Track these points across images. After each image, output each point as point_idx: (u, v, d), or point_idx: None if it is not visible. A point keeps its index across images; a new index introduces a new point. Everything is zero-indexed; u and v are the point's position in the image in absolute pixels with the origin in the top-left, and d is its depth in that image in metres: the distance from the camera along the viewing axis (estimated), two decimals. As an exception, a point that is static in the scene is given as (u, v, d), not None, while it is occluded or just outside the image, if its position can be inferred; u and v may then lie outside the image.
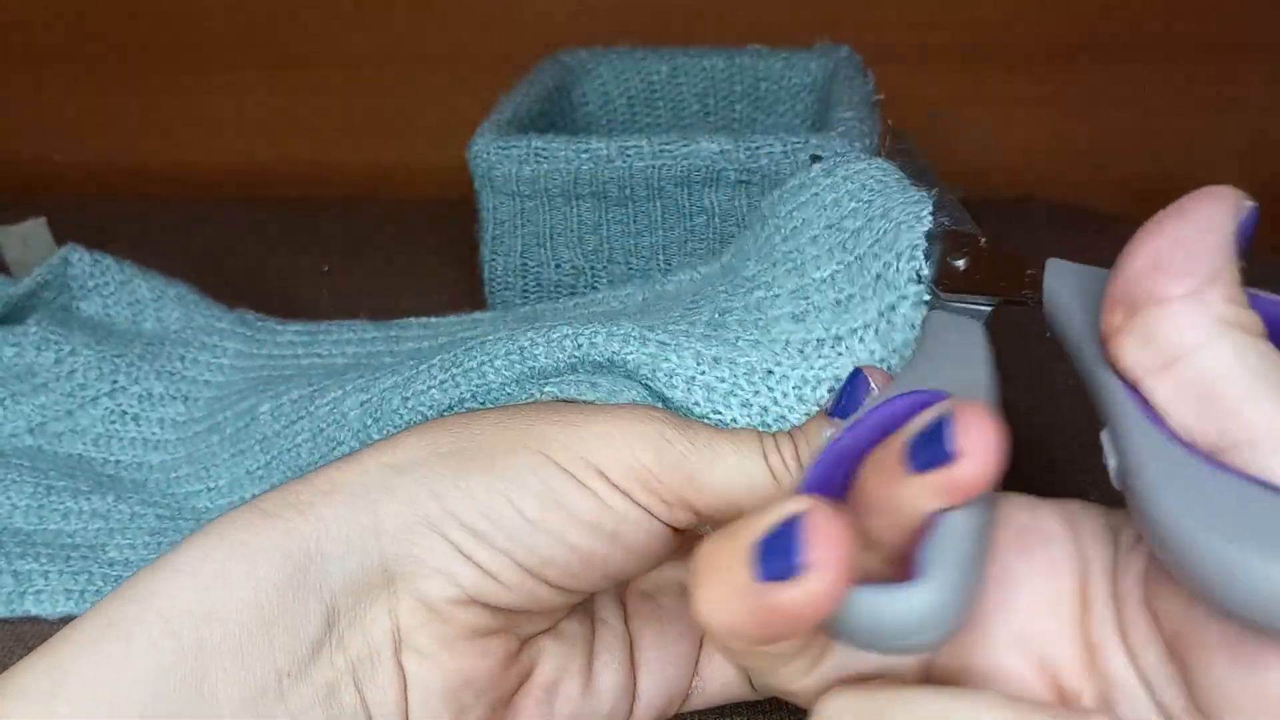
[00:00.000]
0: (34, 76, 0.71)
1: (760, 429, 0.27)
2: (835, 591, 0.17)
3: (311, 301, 0.55)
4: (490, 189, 0.43)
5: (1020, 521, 0.22)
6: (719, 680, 0.28)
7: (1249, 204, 0.20)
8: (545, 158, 0.41)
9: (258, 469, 0.37)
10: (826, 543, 0.17)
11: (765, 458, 0.24)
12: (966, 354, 0.24)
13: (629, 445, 0.24)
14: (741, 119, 0.55)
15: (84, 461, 0.38)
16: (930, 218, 0.27)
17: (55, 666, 0.20)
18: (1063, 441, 0.40)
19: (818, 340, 0.27)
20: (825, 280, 0.28)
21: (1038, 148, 0.69)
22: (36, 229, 0.49)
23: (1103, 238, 0.66)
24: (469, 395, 0.31)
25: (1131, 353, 0.19)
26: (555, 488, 0.23)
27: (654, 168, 0.41)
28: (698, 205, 0.42)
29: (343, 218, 0.65)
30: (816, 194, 0.30)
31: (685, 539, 0.26)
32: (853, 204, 0.29)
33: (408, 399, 0.33)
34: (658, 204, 0.42)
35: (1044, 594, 0.21)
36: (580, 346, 0.29)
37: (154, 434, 0.39)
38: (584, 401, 0.27)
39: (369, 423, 0.34)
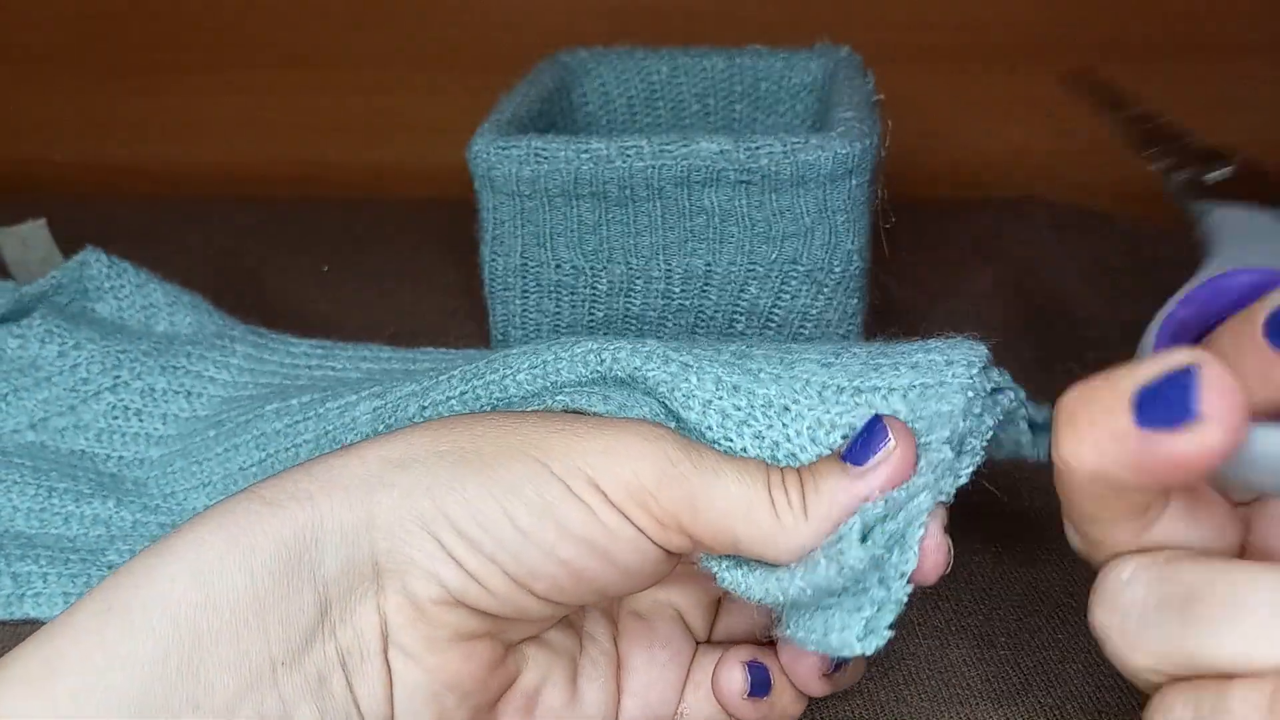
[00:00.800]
0: (34, 76, 0.71)
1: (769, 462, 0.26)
2: (1230, 442, 0.18)
3: (312, 302, 0.55)
4: (490, 189, 0.43)
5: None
6: (703, 713, 0.28)
7: None
8: (545, 158, 0.41)
9: (250, 465, 0.37)
10: (1223, 394, 0.18)
11: (769, 489, 0.24)
12: (1269, 237, 0.25)
13: (631, 460, 0.24)
14: (741, 119, 0.55)
15: (86, 458, 0.38)
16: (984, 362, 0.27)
17: (52, 651, 0.21)
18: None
19: (838, 387, 0.27)
20: (861, 347, 0.29)
21: (1038, 148, 0.69)
22: (36, 230, 0.49)
23: (1103, 238, 0.67)
24: (488, 407, 0.31)
25: None
26: (549, 499, 0.23)
27: (654, 168, 0.41)
28: (698, 205, 0.42)
29: (343, 218, 0.65)
30: None
31: (677, 565, 0.25)
32: None
33: (425, 408, 0.32)
34: (658, 204, 0.42)
35: None
36: (604, 362, 0.29)
37: (156, 429, 0.39)
38: (594, 414, 0.27)
39: (380, 428, 0.34)
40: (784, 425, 0.27)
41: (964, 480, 0.25)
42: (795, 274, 0.42)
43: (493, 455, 0.24)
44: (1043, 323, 0.51)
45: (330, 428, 0.35)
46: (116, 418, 0.39)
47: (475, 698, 0.24)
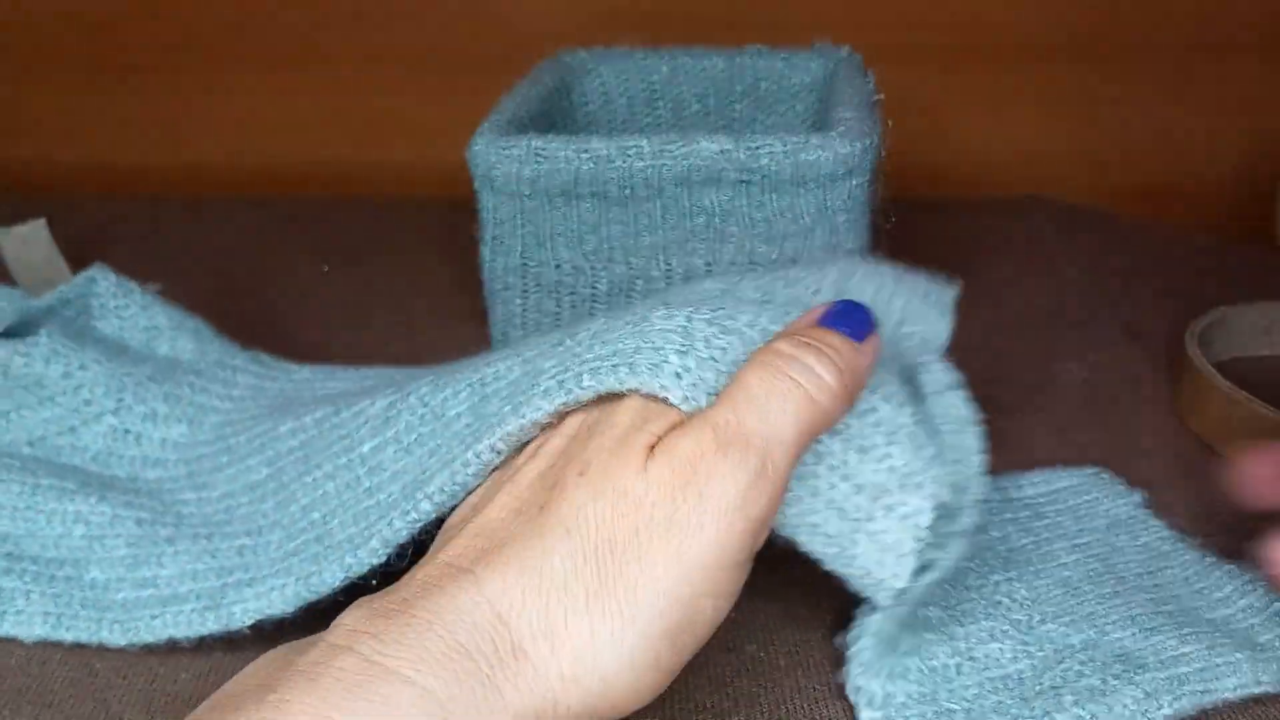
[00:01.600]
0: (34, 76, 0.71)
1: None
2: None
3: (312, 302, 0.55)
4: (490, 189, 0.43)
5: None
6: None
7: None
8: (545, 158, 0.41)
9: (258, 480, 0.37)
10: None
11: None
12: None
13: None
14: (741, 119, 0.55)
15: (79, 472, 0.38)
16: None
17: None
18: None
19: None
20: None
21: (1038, 148, 0.69)
22: (36, 230, 0.49)
23: (1103, 238, 0.67)
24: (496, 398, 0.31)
25: None
26: None
27: (654, 168, 0.41)
28: (698, 205, 0.42)
29: (343, 218, 0.65)
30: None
31: None
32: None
33: (434, 402, 0.33)
34: (658, 204, 0.42)
35: None
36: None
37: (154, 454, 0.39)
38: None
39: (392, 415, 0.34)
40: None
41: None
42: (795, 274, 0.42)
43: None
44: (1043, 323, 0.51)
45: (345, 431, 0.35)
46: (116, 440, 0.39)
47: None
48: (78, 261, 0.50)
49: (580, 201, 0.42)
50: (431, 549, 0.27)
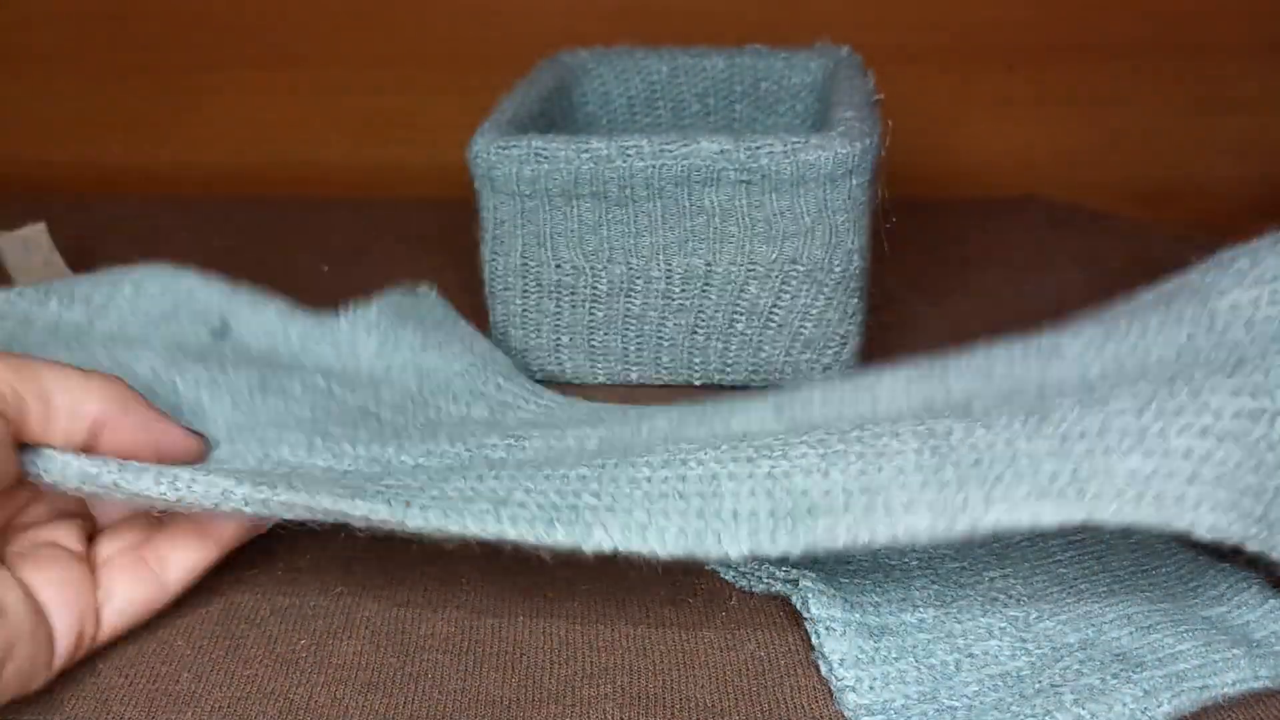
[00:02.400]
0: (34, 76, 0.71)
1: None
2: None
3: (312, 302, 0.55)
4: (490, 189, 0.43)
5: None
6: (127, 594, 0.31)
7: None
8: (545, 158, 0.41)
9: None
10: None
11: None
12: None
13: None
14: (741, 119, 0.55)
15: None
16: None
17: None
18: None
19: None
20: None
21: (1038, 148, 0.69)
22: (37, 234, 0.49)
23: (1103, 238, 0.67)
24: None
25: None
26: None
27: (654, 168, 0.41)
28: (698, 205, 0.42)
29: (343, 218, 0.65)
30: None
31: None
32: None
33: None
34: (658, 204, 0.42)
35: None
36: None
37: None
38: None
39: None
40: None
41: None
42: (795, 274, 0.42)
43: None
44: (1043, 323, 0.51)
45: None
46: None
47: None
48: (78, 262, 0.50)
49: (580, 201, 0.42)
50: None
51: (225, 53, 0.69)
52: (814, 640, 0.31)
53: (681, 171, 0.41)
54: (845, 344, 0.44)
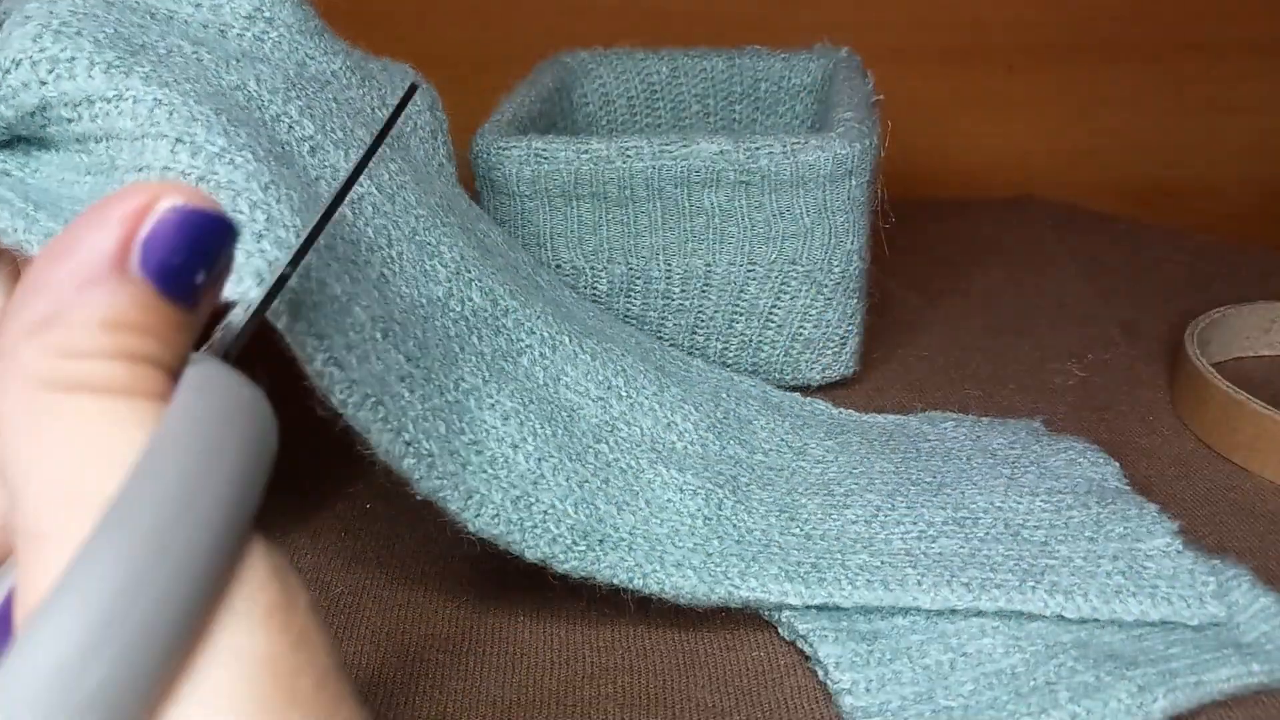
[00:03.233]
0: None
1: None
2: None
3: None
4: (490, 189, 0.43)
5: None
6: None
7: (180, 206, 0.15)
8: (545, 158, 0.41)
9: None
10: None
11: None
12: None
13: None
14: (741, 119, 0.55)
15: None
16: None
17: None
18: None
19: None
20: None
21: (1037, 148, 0.69)
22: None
23: (1102, 238, 0.66)
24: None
25: None
26: None
27: (654, 168, 0.41)
28: (697, 205, 0.42)
29: (343, 218, 0.65)
30: None
31: None
32: None
33: None
34: (658, 204, 0.42)
35: None
36: None
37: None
38: None
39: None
40: None
41: None
42: (795, 274, 0.42)
43: None
44: (1043, 323, 0.51)
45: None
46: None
47: None
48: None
49: (580, 202, 0.42)
50: None
51: (225, 53, 0.69)
52: (807, 650, 0.31)
53: (681, 172, 0.41)
54: (845, 344, 0.44)
